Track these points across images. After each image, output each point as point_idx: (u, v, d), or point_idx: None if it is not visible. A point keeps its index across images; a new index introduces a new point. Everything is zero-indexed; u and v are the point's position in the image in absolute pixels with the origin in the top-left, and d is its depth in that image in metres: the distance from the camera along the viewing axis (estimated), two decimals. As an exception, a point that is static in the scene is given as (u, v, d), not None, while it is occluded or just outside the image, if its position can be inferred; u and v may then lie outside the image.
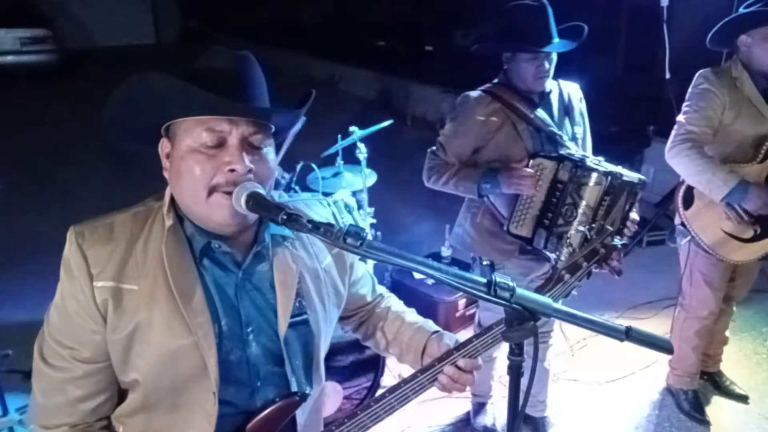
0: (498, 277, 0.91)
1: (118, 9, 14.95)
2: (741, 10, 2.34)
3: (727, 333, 2.96)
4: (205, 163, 1.02)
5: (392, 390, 1.16)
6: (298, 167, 3.23)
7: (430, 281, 3.36)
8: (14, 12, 10.25)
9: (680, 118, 2.44)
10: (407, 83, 8.91)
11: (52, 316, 1.09)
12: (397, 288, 3.40)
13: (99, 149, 4.88)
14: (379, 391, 2.26)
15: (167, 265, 1.05)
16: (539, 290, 1.22)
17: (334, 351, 2.48)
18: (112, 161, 5.43)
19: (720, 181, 2.29)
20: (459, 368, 1.18)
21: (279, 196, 1.23)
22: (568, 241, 2.05)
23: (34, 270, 3.73)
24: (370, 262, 2.77)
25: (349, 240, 0.90)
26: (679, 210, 2.52)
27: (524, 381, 0.99)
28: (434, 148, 2.35)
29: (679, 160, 2.38)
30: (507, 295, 0.90)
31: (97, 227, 1.08)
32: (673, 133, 2.44)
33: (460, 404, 2.86)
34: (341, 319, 1.37)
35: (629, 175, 2.07)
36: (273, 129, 1.11)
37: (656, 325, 3.44)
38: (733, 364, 3.13)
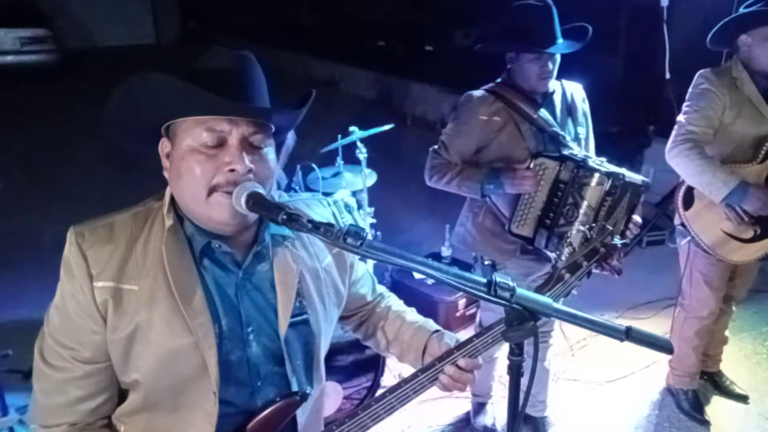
0: (498, 277, 0.91)
1: (118, 9, 14.94)
2: (741, 9, 2.34)
3: (727, 333, 2.96)
4: (205, 163, 1.02)
5: (393, 389, 1.16)
6: (298, 168, 3.24)
7: (430, 281, 3.36)
8: (14, 12, 10.25)
9: (680, 118, 2.44)
10: (407, 83, 8.91)
11: (52, 317, 1.09)
12: (397, 288, 3.40)
13: (99, 149, 4.86)
14: (380, 391, 2.26)
15: (167, 266, 1.05)
16: (539, 290, 1.22)
17: (334, 351, 2.48)
18: (112, 161, 5.43)
19: (720, 182, 2.28)
20: (460, 368, 1.18)
21: (279, 196, 1.23)
22: (568, 240, 2.04)
23: (34, 270, 3.73)
24: (370, 262, 2.77)
25: (349, 240, 0.90)
26: (679, 210, 2.52)
27: (524, 381, 0.99)
28: (436, 147, 2.35)
29: (679, 160, 2.38)
30: (507, 295, 0.90)
31: (96, 227, 1.08)
32: (673, 133, 2.44)
33: (460, 404, 2.86)
34: (341, 318, 1.37)
35: (632, 176, 2.06)
36: (273, 129, 1.11)
37: (656, 325, 3.44)
38: (733, 364, 3.13)
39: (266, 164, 1.07)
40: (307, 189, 3.29)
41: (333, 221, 1.24)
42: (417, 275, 3.23)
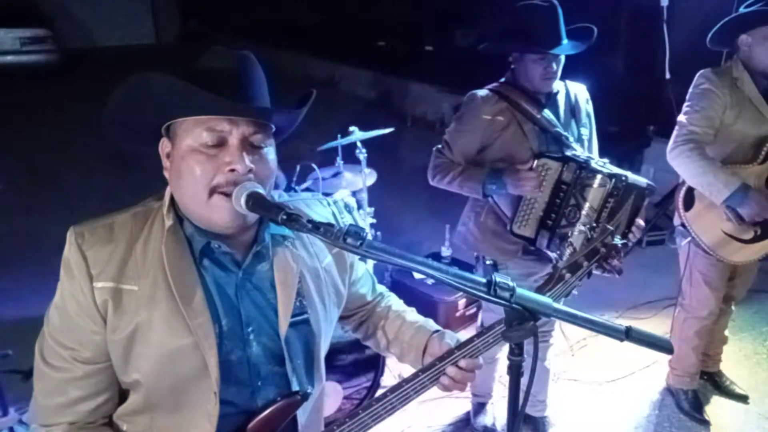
0: (498, 277, 0.91)
1: (118, 9, 14.95)
2: (741, 9, 2.34)
3: (726, 333, 2.96)
4: (206, 163, 1.02)
5: (393, 389, 1.16)
6: (298, 168, 3.24)
7: (430, 281, 3.36)
8: (14, 12, 10.25)
9: (681, 118, 2.43)
10: (407, 83, 8.91)
11: (52, 317, 1.09)
12: (397, 288, 3.40)
13: (99, 149, 4.86)
14: (380, 391, 2.26)
15: (167, 266, 1.05)
16: (540, 290, 1.21)
17: (335, 351, 2.48)
18: (112, 161, 5.43)
19: (721, 184, 2.28)
20: (460, 368, 1.18)
21: (279, 196, 1.23)
22: (569, 241, 2.04)
23: (34, 270, 3.71)
24: (370, 262, 2.77)
25: (349, 240, 0.90)
26: (679, 211, 2.52)
27: (524, 381, 0.99)
28: (440, 146, 2.35)
29: (680, 161, 2.37)
30: (507, 294, 0.90)
31: (96, 228, 1.07)
32: (674, 133, 2.43)
33: (460, 404, 2.86)
34: (341, 318, 1.37)
35: (636, 179, 2.05)
36: (273, 129, 1.11)
37: (656, 325, 3.45)
38: (733, 364, 3.13)
39: (266, 164, 1.07)
40: (307, 189, 3.29)
41: (333, 221, 1.24)
42: (417, 275, 3.23)
